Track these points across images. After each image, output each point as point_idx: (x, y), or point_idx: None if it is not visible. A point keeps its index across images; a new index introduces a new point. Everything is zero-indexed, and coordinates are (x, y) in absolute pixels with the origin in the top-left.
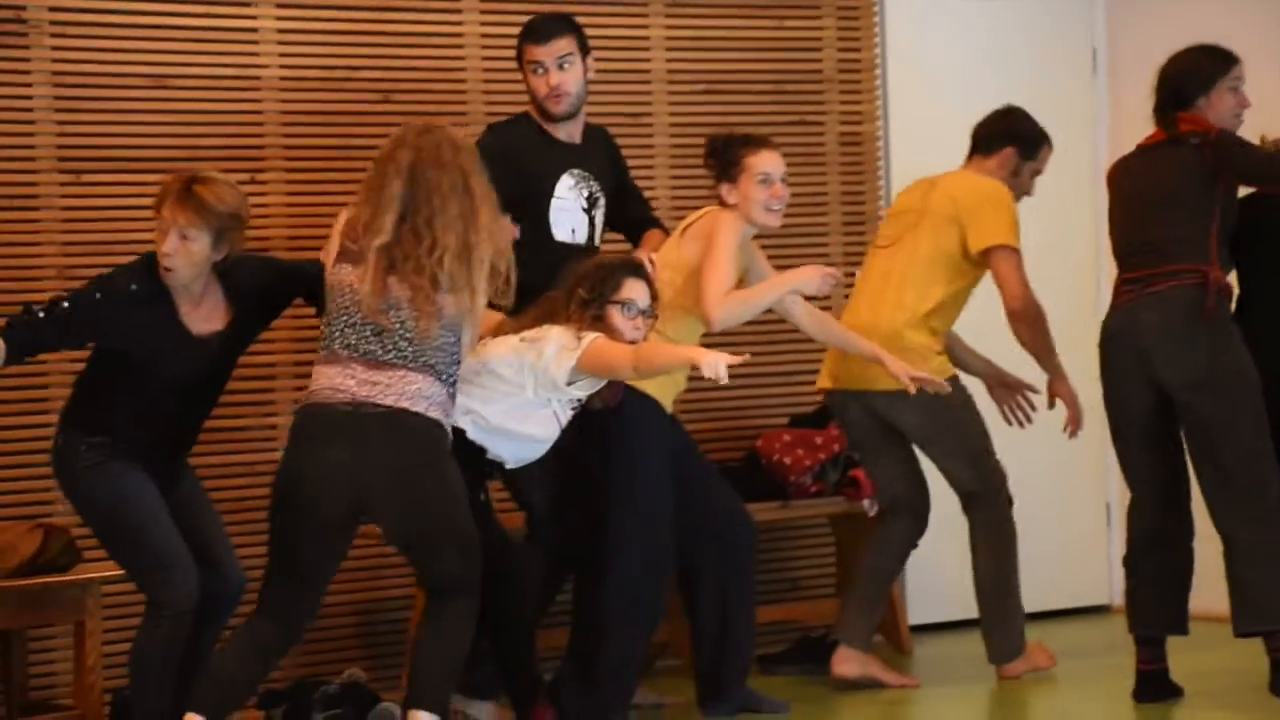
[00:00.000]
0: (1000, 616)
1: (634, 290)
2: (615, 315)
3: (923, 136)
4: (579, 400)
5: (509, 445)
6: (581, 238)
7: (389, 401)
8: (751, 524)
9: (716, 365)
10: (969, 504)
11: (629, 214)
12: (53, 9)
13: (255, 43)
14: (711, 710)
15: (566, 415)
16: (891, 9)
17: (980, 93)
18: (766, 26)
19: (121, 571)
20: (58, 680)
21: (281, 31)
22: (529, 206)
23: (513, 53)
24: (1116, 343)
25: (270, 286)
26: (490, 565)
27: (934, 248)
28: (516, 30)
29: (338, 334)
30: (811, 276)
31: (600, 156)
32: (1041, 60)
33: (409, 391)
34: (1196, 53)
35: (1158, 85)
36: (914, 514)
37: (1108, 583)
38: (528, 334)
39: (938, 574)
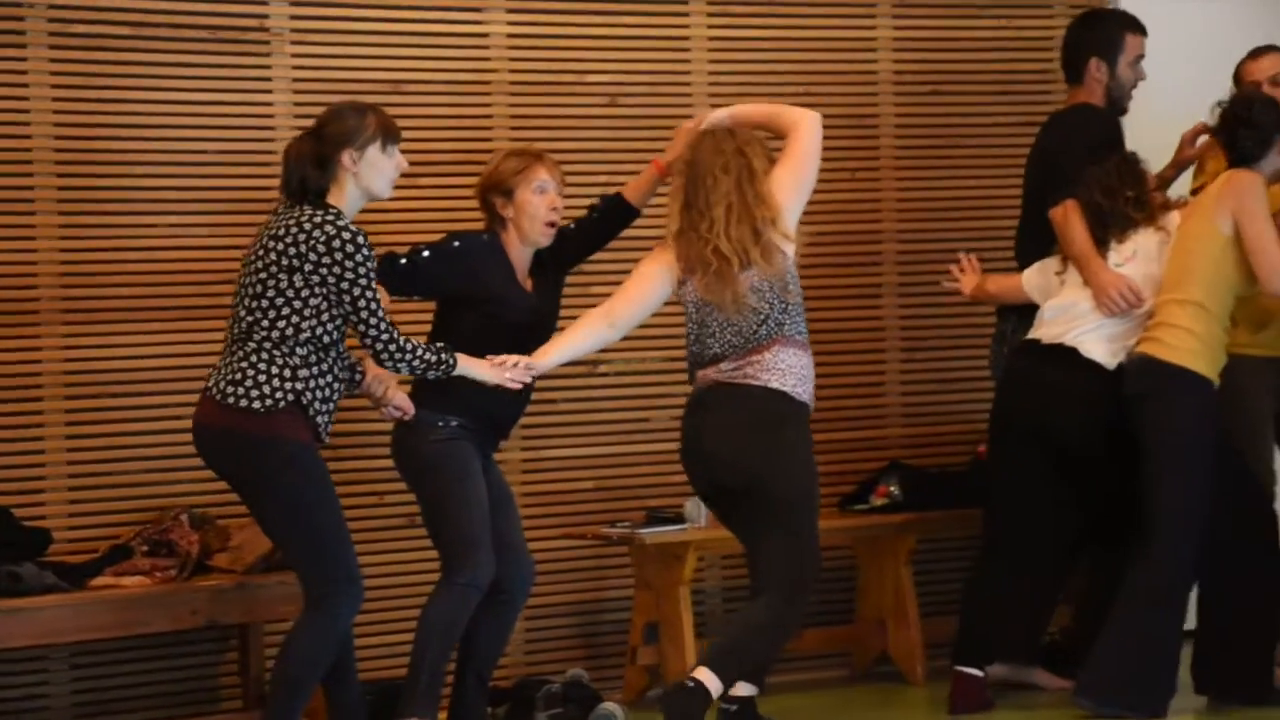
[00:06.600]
0: None
1: None
2: None
3: (1156, 136)
4: None
5: None
6: None
7: (735, 379)
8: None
9: None
10: None
11: None
12: (293, 18)
13: (486, 48)
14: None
15: None
16: (1126, 7)
17: (1217, 91)
18: (995, 26)
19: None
20: None
21: (511, 36)
22: None
23: (739, 55)
24: None
25: (562, 261)
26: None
27: None
28: (743, 33)
29: (696, 348)
30: None
31: None
32: None
33: (748, 371)
34: None
35: None
36: None
37: None
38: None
39: None
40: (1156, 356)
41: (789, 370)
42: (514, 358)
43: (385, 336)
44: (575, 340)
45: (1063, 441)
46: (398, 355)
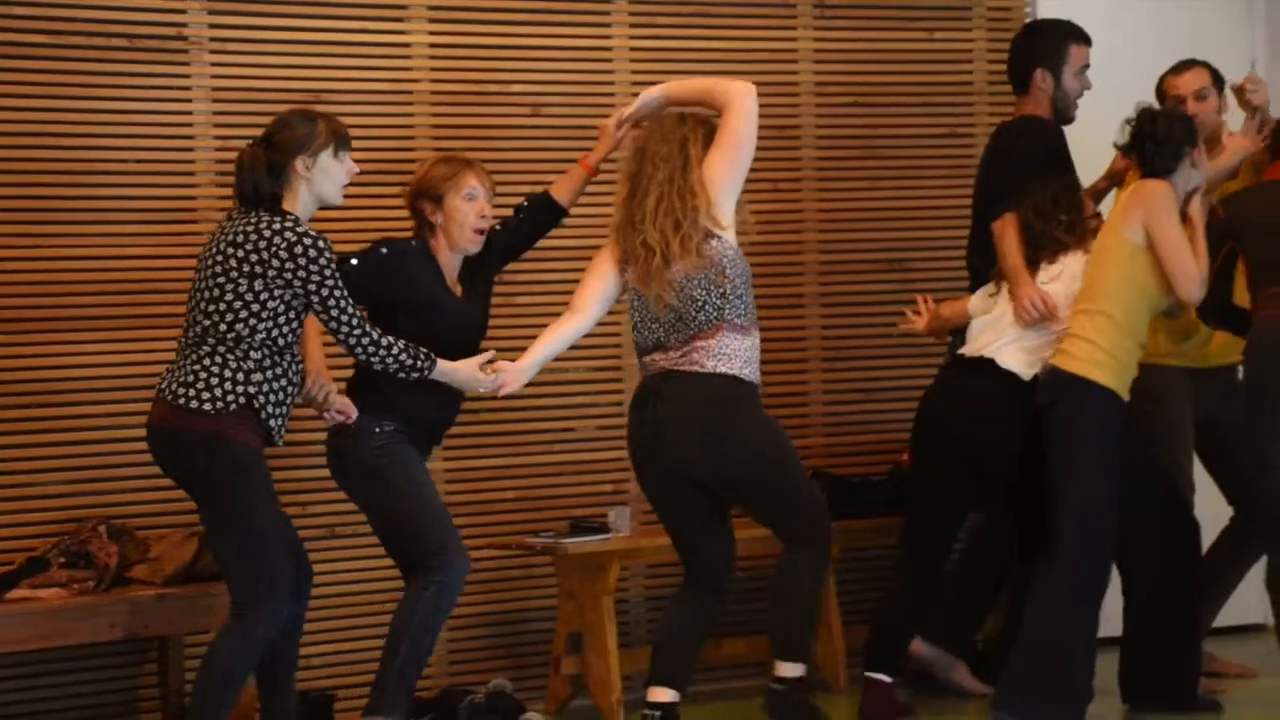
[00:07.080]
0: None
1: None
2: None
3: (1075, 149)
4: None
5: None
6: None
7: (682, 367)
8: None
9: None
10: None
11: None
12: (212, 26)
13: (408, 57)
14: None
15: None
16: (1054, 14)
17: (1135, 104)
18: (916, 38)
19: None
20: None
21: (433, 46)
22: None
23: (660, 66)
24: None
25: (489, 264)
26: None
27: None
28: (665, 43)
29: (637, 335)
30: None
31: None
32: None
33: (694, 358)
34: None
35: None
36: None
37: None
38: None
39: None
40: (1060, 367)
41: (734, 355)
42: (503, 363)
43: (358, 331)
44: (552, 338)
45: (981, 449)
46: (372, 350)
